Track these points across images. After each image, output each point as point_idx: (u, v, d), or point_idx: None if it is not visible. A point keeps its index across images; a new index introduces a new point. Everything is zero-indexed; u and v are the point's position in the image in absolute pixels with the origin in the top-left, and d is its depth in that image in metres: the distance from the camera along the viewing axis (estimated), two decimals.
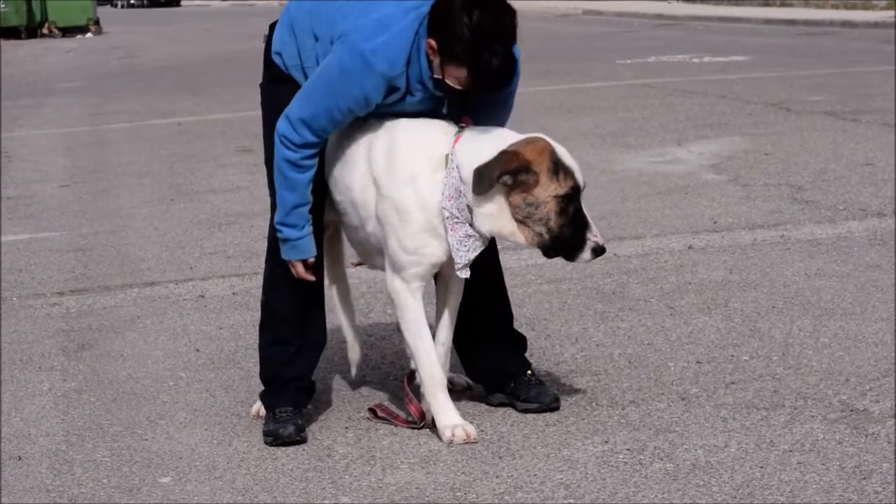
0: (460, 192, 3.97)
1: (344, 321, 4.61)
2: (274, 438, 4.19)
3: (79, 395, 4.83)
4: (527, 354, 4.53)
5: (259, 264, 6.51)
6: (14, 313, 6.05)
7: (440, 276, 4.24)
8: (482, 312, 4.39)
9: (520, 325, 5.03)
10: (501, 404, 4.40)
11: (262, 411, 4.38)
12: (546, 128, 10.45)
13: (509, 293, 4.55)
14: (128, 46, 27.77)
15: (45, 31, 35.01)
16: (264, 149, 4.33)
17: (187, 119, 13.53)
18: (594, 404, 4.40)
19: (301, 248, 4.18)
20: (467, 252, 4.03)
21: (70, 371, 5.13)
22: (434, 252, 4.07)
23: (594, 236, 3.97)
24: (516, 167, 3.90)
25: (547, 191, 3.92)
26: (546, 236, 3.96)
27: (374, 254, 4.27)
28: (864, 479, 3.66)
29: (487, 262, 4.30)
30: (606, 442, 4.05)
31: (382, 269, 4.24)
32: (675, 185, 8.26)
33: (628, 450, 3.97)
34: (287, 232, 4.17)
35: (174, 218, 8.15)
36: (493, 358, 4.40)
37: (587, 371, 4.75)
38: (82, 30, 34.83)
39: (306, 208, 4.15)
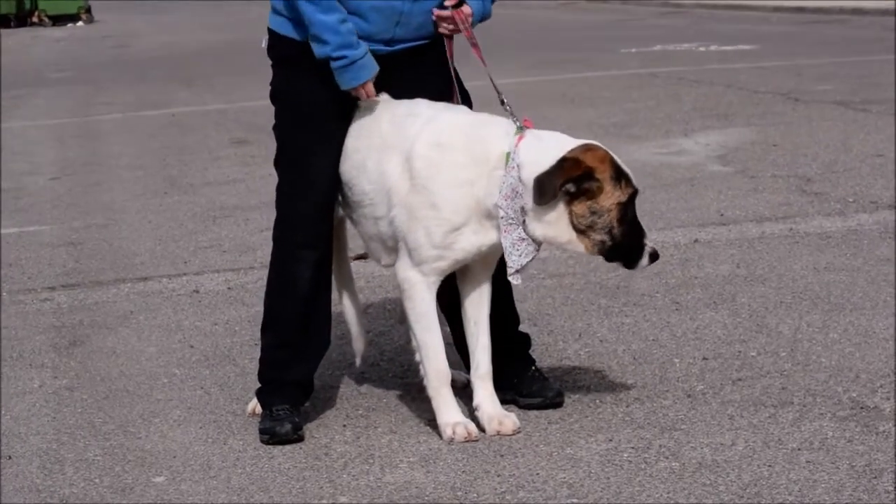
0: (518, 192, 3.92)
1: (348, 312, 4.58)
2: (270, 437, 4.16)
3: (70, 392, 4.81)
4: (530, 352, 4.50)
5: (255, 258, 6.59)
6: (4, 309, 6.03)
7: (468, 277, 4.18)
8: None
9: (522, 320, 4.99)
10: (503, 401, 4.32)
11: (258, 409, 4.35)
12: (548, 119, 10.45)
13: (513, 288, 4.47)
14: (120, 35, 27.83)
15: (34, 19, 34.94)
16: (278, 148, 4.25)
17: (181, 110, 13.54)
18: (598, 401, 4.37)
19: (368, 65, 4.07)
20: (520, 257, 3.98)
21: (61, 368, 5.11)
22: (463, 247, 4.02)
23: (650, 242, 4.01)
24: (579, 175, 3.88)
25: (611, 199, 3.91)
26: (609, 244, 3.95)
27: (390, 249, 4.18)
28: (875, 478, 3.64)
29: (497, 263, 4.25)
30: (610, 440, 4.02)
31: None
32: (680, 177, 8.24)
33: (633, 448, 3.95)
34: (350, 54, 4.03)
35: (168, 211, 8.13)
36: (497, 356, 4.33)
37: (591, 368, 4.72)
38: (73, 18, 34.76)
39: (350, 23, 4.04)
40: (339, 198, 4.28)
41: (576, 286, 5.78)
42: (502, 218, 3.94)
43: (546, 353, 4.85)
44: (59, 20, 34.67)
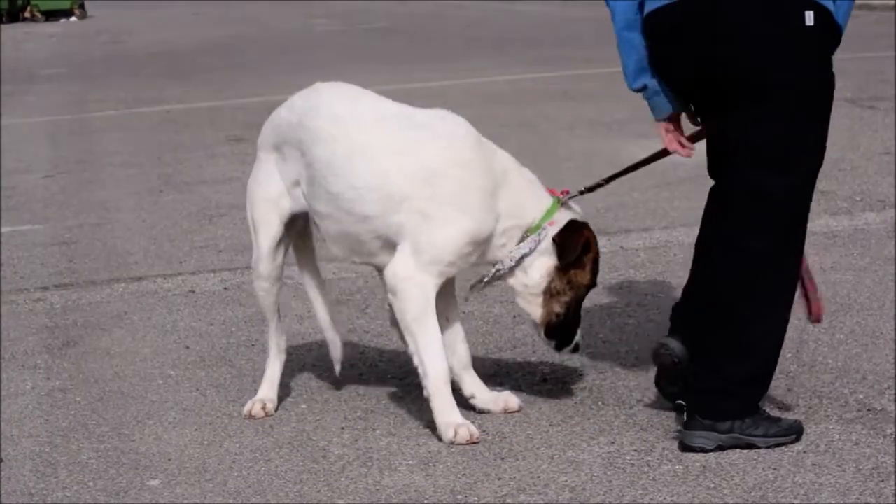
0: (523, 259, 4.12)
1: (321, 317, 4.51)
2: (797, 435, 3.89)
3: (63, 394, 4.78)
4: (531, 353, 4.47)
5: (251, 258, 6.51)
6: None
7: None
8: None
9: (522, 321, 4.95)
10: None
11: (255, 410, 4.34)
12: (550, 116, 10.35)
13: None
14: (114, 31, 27.73)
15: (26, 14, 34.72)
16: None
17: (176, 107, 13.48)
18: (600, 403, 4.34)
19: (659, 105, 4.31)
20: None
21: (54, 369, 5.08)
22: (471, 261, 4.12)
23: (578, 335, 4.25)
24: (585, 244, 4.14)
25: (584, 278, 4.17)
26: (561, 318, 4.16)
27: (371, 250, 4.12)
28: (882, 481, 3.61)
29: None
30: (613, 443, 4.00)
31: (376, 263, 4.15)
32: (684, 176, 8.16)
33: (636, 451, 3.92)
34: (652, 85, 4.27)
35: (163, 210, 8.09)
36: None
37: (593, 369, 4.68)
38: (66, 13, 34.56)
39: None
40: (300, 187, 4.21)
41: None
42: (497, 269, 4.13)
43: (547, 354, 4.76)
44: (51, 15, 34.46)
